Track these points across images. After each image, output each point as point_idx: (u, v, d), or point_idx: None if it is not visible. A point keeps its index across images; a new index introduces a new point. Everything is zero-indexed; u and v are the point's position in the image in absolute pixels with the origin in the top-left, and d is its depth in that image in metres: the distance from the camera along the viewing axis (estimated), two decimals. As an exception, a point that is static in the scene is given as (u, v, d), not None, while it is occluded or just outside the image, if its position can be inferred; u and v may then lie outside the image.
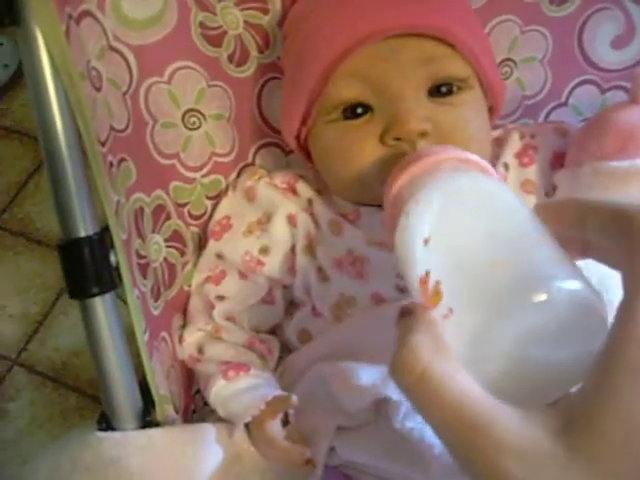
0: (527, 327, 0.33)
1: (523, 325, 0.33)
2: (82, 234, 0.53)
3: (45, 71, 0.50)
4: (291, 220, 0.73)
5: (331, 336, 0.67)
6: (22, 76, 1.32)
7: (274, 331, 0.76)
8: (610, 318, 0.32)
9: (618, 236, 0.32)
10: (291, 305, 0.76)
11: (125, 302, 0.56)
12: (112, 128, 0.61)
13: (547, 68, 0.80)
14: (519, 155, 0.72)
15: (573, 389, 0.32)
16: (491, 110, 0.70)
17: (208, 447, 0.60)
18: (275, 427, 0.62)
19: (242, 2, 0.71)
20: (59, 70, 0.50)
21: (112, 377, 0.55)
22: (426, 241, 0.38)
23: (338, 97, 0.64)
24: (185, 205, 0.77)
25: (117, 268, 0.54)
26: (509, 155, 0.72)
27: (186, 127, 0.75)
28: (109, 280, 0.54)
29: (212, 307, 0.72)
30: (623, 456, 0.26)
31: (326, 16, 0.65)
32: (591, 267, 0.37)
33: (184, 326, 0.74)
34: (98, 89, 0.59)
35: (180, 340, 0.73)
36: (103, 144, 0.57)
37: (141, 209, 0.67)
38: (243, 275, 0.74)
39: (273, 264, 0.73)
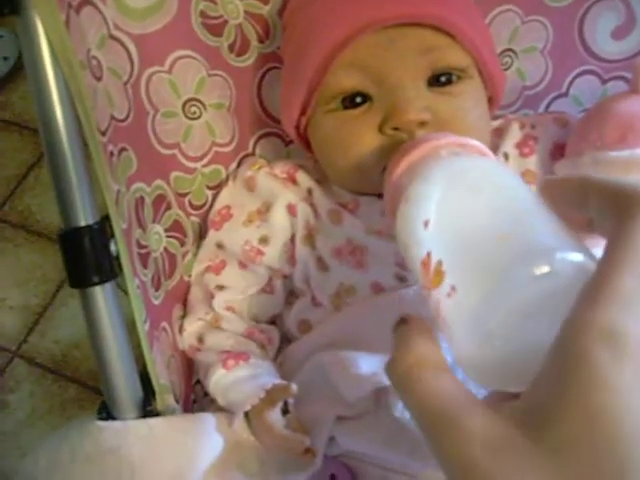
0: (532, 298, 0.33)
1: (528, 296, 0.33)
2: (82, 223, 0.53)
3: (45, 60, 0.50)
4: (291, 210, 0.73)
5: (330, 325, 0.67)
6: (22, 68, 1.32)
7: (274, 321, 0.76)
8: None
9: (614, 212, 0.32)
10: (291, 295, 0.76)
11: (126, 292, 0.56)
12: (113, 118, 0.61)
13: (548, 58, 0.80)
14: (519, 145, 0.72)
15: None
16: (491, 100, 0.70)
17: (208, 436, 0.60)
18: (275, 416, 0.62)
19: (243, -9, 0.71)
20: (59, 59, 0.49)
21: (112, 366, 0.55)
22: (426, 223, 0.39)
23: (337, 87, 0.64)
24: (186, 195, 0.77)
25: (117, 257, 0.54)
26: (509, 145, 0.72)
27: (186, 117, 0.75)
28: (109, 269, 0.54)
29: (212, 297, 0.72)
30: (580, 445, 0.26)
31: (326, 6, 0.65)
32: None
33: (184, 316, 0.74)
34: (99, 78, 0.59)
35: (180, 330, 0.73)
36: (104, 133, 0.57)
37: (141, 199, 0.67)
38: (243, 265, 0.74)
39: (273, 254, 0.73)
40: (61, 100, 0.51)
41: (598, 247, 0.32)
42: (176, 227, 0.75)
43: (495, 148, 0.72)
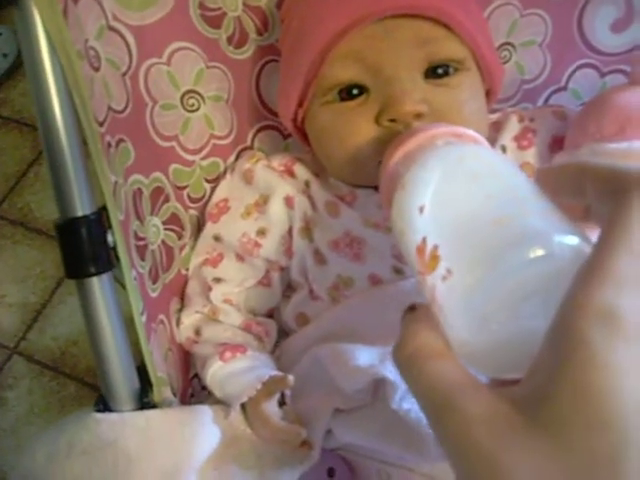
0: (528, 282, 0.33)
1: (524, 280, 0.33)
2: (79, 213, 0.52)
3: (43, 50, 0.50)
4: (288, 202, 0.73)
5: (328, 318, 0.67)
6: (21, 65, 1.32)
7: (271, 314, 0.76)
8: None
9: (610, 195, 0.32)
10: (288, 288, 0.76)
11: (123, 286, 0.56)
12: (110, 108, 0.61)
13: (546, 52, 0.80)
14: (518, 138, 0.72)
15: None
16: (489, 93, 0.70)
17: (205, 428, 0.59)
18: (271, 407, 0.62)
19: (241, -17, 0.71)
20: (56, 49, 0.49)
21: (109, 358, 0.55)
22: (421, 209, 0.39)
23: (334, 78, 0.64)
24: (184, 188, 0.77)
25: (114, 248, 0.54)
26: (507, 138, 0.72)
27: (185, 109, 0.75)
28: (106, 260, 0.54)
29: (209, 289, 0.72)
30: (575, 424, 0.26)
31: None
32: None
33: (181, 309, 0.74)
34: (96, 69, 0.59)
35: (178, 323, 0.73)
36: (101, 124, 0.57)
37: (139, 190, 0.66)
38: (240, 257, 0.74)
39: (270, 246, 0.73)
40: (59, 90, 0.51)
41: (595, 236, 0.32)
42: (174, 220, 0.75)
43: (493, 141, 0.72)
